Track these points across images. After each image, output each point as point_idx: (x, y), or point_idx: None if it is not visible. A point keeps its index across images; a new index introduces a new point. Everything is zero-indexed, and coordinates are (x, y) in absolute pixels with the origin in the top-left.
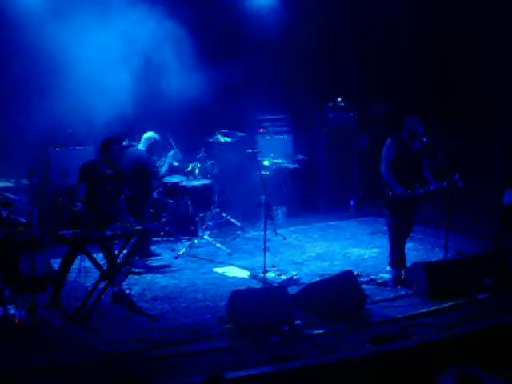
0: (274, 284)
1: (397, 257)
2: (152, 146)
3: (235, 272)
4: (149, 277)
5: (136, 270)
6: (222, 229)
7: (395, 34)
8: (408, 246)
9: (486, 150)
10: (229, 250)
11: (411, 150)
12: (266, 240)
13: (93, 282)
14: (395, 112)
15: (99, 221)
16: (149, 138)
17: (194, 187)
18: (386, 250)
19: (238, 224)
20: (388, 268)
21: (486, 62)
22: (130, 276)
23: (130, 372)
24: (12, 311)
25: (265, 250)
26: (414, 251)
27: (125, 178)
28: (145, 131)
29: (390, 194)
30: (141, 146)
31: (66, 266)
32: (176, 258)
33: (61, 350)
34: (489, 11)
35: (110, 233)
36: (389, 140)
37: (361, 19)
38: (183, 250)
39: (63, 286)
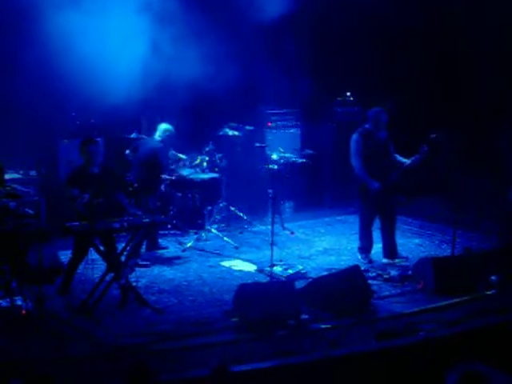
0: (281, 278)
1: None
2: (167, 138)
3: (242, 266)
4: (156, 270)
5: (143, 263)
6: (229, 222)
7: (405, 30)
8: (415, 241)
9: (497, 146)
10: (236, 244)
11: (378, 140)
12: (273, 234)
13: (100, 274)
14: (403, 108)
15: (102, 216)
16: (165, 130)
17: (202, 180)
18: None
19: (246, 218)
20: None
21: (496, 58)
22: (137, 269)
23: (144, 363)
24: (19, 302)
25: (272, 244)
26: (421, 247)
27: (124, 171)
28: (156, 123)
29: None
30: (156, 137)
31: (76, 258)
32: (183, 251)
33: (67, 342)
34: (497, 8)
35: (117, 225)
36: (355, 135)
37: (371, 15)
38: (190, 244)
39: (73, 277)
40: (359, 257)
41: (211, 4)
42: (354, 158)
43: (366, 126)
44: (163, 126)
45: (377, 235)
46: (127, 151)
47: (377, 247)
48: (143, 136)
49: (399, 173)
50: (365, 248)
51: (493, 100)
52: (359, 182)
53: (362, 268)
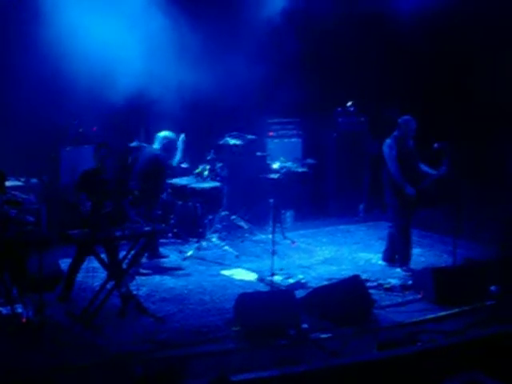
0: (282, 287)
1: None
2: (167, 145)
3: (243, 275)
4: (157, 278)
5: (144, 271)
6: (230, 231)
7: (407, 38)
8: (416, 251)
9: (499, 155)
10: (237, 253)
11: (408, 148)
12: (274, 243)
13: (100, 282)
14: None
15: (106, 222)
16: (164, 138)
17: (203, 189)
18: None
19: (247, 227)
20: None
21: (499, 65)
22: (137, 277)
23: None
24: (19, 310)
25: (273, 253)
26: (421, 257)
27: (126, 179)
28: (158, 131)
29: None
30: (156, 146)
31: (76, 265)
32: (184, 259)
33: (67, 350)
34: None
35: (118, 233)
36: (389, 140)
37: (372, 24)
38: (191, 252)
39: (73, 285)
40: (398, 269)
41: (213, 14)
42: (390, 162)
43: (396, 133)
44: (162, 134)
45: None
46: (129, 159)
47: (379, 257)
48: (144, 144)
49: (429, 183)
50: (406, 258)
51: (496, 110)
52: (394, 187)
53: (363, 278)
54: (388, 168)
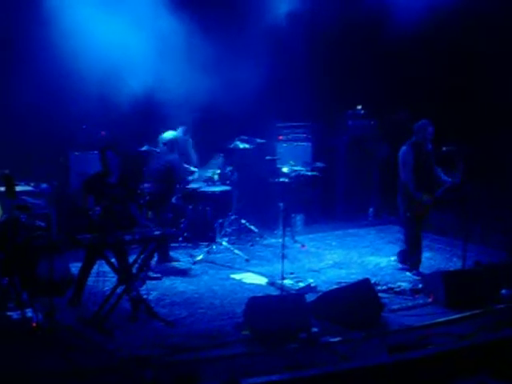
0: (292, 291)
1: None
2: (175, 144)
3: (253, 278)
4: (167, 282)
5: (154, 275)
6: (240, 235)
7: (416, 42)
8: (426, 255)
9: (508, 158)
10: (247, 257)
11: (426, 152)
12: (284, 247)
13: (111, 286)
14: (416, 120)
15: (115, 226)
16: (170, 139)
17: (213, 193)
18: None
19: (257, 231)
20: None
21: (509, 68)
22: (148, 281)
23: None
24: (29, 315)
25: (283, 257)
26: (431, 260)
27: (136, 183)
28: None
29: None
30: (163, 147)
31: (86, 269)
32: (194, 263)
33: (77, 354)
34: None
35: (128, 237)
36: (405, 146)
37: (381, 27)
38: (201, 256)
39: (83, 289)
40: (408, 273)
41: (223, 17)
42: (403, 170)
43: (413, 139)
44: (167, 135)
45: (396, 247)
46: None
47: (389, 260)
48: (154, 149)
49: (444, 189)
50: (416, 263)
51: (506, 112)
52: (407, 194)
53: (373, 281)
54: (401, 175)
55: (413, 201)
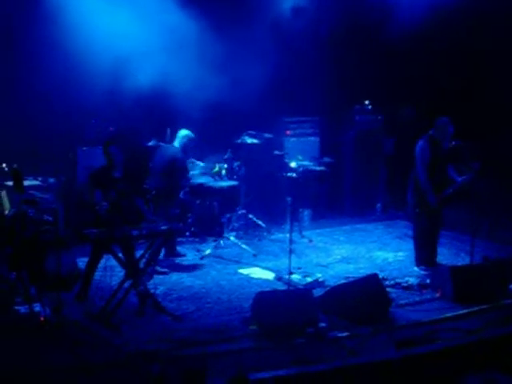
0: (299, 286)
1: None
2: (186, 144)
3: (260, 273)
4: (174, 277)
5: (161, 270)
6: (247, 230)
7: (423, 37)
8: None
9: None
10: (254, 252)
11: (442, 149)
12: (291, 242)
13: (118, 281)
14: (422, 115)
15: (121, 221)
16: (183, 137)
17: (221, 188)
18: (412, 253)
19: (264, 225)
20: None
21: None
22: (155, 276)
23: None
24: (37, 309)
25: (290, 251)
26: (439, 255)
27: (143, 177)
28: (174, 130)
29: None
30: (176, 144)
31: (93, 264)
32: (201, 258)
33: (85, 349)
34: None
35: (135, 232)
36: (422, 141)
37: (389, 23)
38: (209, 251)
39: (90, 284)
40: (416, 268)
41: (231, 12)
42: (420, 167)
43: (431, 132)
44: (182, 133)
45: (404, 242)
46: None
47: (397, 255)
48: (161, 144)
49: (455, 188)
50: (425, 259)
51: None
52: (418, 189)
53: (380, 276)
54: (416, 170)
55: (422, 197)
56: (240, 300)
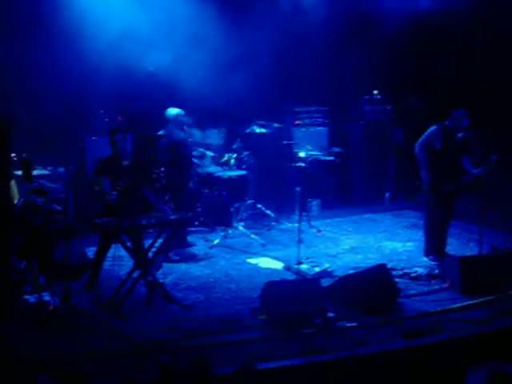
0: (308, 276)
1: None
2: (181, 121)
3: (269, 263)
4: (183, 266)
5: (175, 258)
6: (256, 220)
7: (432, 26)
8: None
9: None
10: (263, 241)
11: (455, 140)
12: (300, 232)
13: (127, 270)
14: (431, 105)
15: (130, 210)
16: (175, 116)
17: (230, 178)
18: (421, 243)
19: (273, 215)
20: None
21: None
22: (164, 265)
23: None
24: (46, 298)
25: (299, 241)
26: (448, 246)
27: (151, 167)
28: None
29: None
30: (172, 127)
31: (102, 253)
32: (210, 248)
33: (94, 338)
34: None
35: (144, 221)
36: (434, 127)
37: (396, 12)
38: (217, 241)
39: (99, 273)
40: (425, 258)
41: (238, 2)
42: (422, 150)
43: (447, 122)
44: (172, 112)
45: (413, 232)
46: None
47: (405, 245)
48: (162, 132)
49: (470, 179)
50: (434, 249)
51: None
52: (431, 179)
53: (389, 266)
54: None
55: (434, 185)
56: (249, 290)
